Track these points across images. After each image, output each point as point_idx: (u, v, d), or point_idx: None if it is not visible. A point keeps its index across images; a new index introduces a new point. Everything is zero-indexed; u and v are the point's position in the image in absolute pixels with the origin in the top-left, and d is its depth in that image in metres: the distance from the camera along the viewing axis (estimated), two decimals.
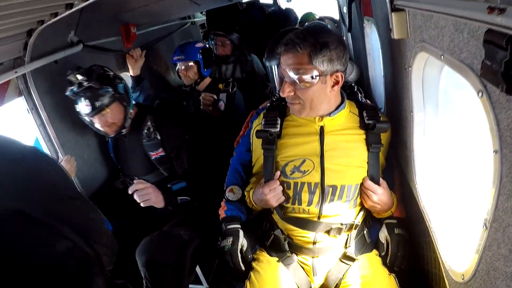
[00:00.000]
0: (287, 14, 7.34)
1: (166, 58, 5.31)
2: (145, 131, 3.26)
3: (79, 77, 2.95)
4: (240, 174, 2.72)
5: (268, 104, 2.57)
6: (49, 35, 2.93)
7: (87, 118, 3.07)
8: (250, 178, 2.68)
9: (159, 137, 3.26)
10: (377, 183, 2.27)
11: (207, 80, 4.44)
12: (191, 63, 4.26)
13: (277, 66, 2.84)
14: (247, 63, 5.30)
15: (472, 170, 1.72)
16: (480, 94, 1.18)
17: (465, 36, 1.23)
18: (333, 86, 2.17)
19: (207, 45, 4.63)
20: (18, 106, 3.13)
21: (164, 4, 3.98)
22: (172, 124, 3.36)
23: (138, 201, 2.89)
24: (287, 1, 9.10)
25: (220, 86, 4.33)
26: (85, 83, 2.94)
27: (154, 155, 3.30)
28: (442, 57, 1.48)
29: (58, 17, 2.60)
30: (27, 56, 2.90)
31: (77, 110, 3.04)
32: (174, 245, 2.99)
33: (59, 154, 3.30)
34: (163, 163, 3.34)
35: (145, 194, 2.91)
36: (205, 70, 4.34)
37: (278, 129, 2.38)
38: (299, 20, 8.24)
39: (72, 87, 3.00)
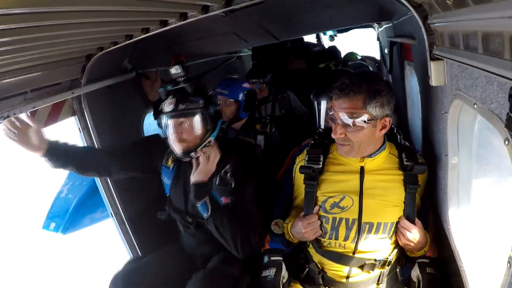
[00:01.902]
0: (334, 53, 7.45)
1: None
2: (221, 173, 2.87)
3: (179, 70, 2.90)
4: (283, 207, 2.80)
5: (312, 142, 2.66)
6: (105, 60, 3.07)
7: (164, 120, 2.83)
8: (290, 211, 2.76)
9: (233, 185, 2.85)
10: (413, 222, 2.32)
11: (244, 119, 4.23)
12: (231, 100, 4.05)
13: (320, 104, 2.95)
14: (285, 100, 5.30)
15: (501, 211, 1.78)
16: (506, 142, 1.26)
17: (495, 88, 1.32)
18: (381, 130, 2.27)
19: (252, 87, 4.43)
20: (71, 124, 3.32)
21: (215, 39, 4.15)
22: (249, 173, 2.91)
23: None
24: (330, 40, 9.26)
25: (257, 127, 4.12)
26: (181, 82, 2.88)
27: (224, 201, 2.87)
28: (475, 105, 1.56)
29: (117, 46, 2.79)
30: (84, 79, 3.07)
31: (160, 108, 2.87)
32: (227, 284, 2.74)
33: None
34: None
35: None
36: (244, 112, 4.14)
37: (321, 166, 2.47)
38: (342, 59, 8.36)
39: (168, 85, 2.96)
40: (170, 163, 3.11)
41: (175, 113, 2.75)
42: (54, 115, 3.06)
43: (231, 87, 4.08)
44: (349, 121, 2.19)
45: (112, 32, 2.52)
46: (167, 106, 2.79)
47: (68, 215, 6.18)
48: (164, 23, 2.42)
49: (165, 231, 3.38)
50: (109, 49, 2.85)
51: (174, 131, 2.78)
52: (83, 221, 5.78)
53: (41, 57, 2.35)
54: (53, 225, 5.58)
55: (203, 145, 2.81)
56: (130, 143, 3.35)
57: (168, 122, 2.81)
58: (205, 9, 2.19)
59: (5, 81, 2.38)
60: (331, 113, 2.32)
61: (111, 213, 3.56)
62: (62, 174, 5.18)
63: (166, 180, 3.15)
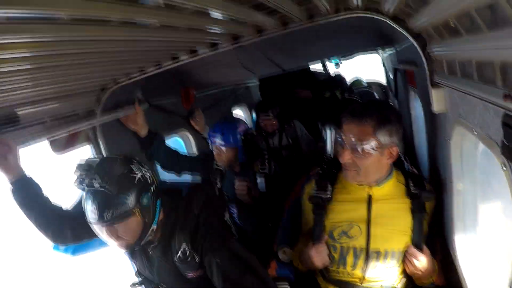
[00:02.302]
0: (339, 81, 7.52)
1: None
2: (179, 255, 2.43)
3: (92, 175, 2.20)
4: (291, 235, 2.82)
5: (320, 171, 2.68)
6: (119, 92, 3.17)
7: (90, 225, 2.27)
8: (298, 238, 2.76)
9: (197, 259, 2.41)
10: (420, 249, 2.31)
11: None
12: (229, 148, 3.79)
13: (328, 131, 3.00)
14: (291, 129, 5.33)
15: (507, 237, 1.80)
16: (503, 167, 1.32)
17: (491, 114, 1.38)
18: (388, 159, 2.29)
19: (250, 127, 4.13)
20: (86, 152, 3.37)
21: (223, 71, 4.27)
22: (214, 237, 2.45)
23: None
24: (336, 67, 9.37)
25: (256, 168, 3.86)
26: (97, 185, 2.18)
27: (191, 275, 2.51)
28: (474, 131, 1.62)
29: (131, 79, 2.90)
30: (99, 110, 3.15)
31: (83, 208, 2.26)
32: None
33: None
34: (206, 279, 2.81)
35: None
36: (243, 155, 3.88)
37: (329, 195, 2.49)
38: (349, 85, 8.43)
39: (81, 180, 2.24)
40: None
41: (102, 224, 2.20)
42: (71, 142, 3.14)
43: (226, 135, 3.78)
44: (358, 147, 2.22)
45: (126, 67, 2.64)
46: (90, 213, 2.20)
47: None
48: (176, 58, 2.51)
49: None
50: (123, 82, 2.95)
51: (109, 235, 2.25)
52: (93, 244, 5.79)
53: (60, 89, 2.45)
54: (63, 247, 5.63)
55: (146, 235, 2.34)
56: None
57: (94, 228, 2.28)
58: (214, 45, 2.29)
59: (26, 110, 2.46)
60: (340, 139, 2.36)
61: None
62: (72, 196, 5.24)
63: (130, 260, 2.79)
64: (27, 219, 2.58)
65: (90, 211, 2.18)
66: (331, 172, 2.61)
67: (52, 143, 2.86)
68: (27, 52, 1.49)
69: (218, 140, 3.78)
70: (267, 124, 5.16)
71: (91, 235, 2.38)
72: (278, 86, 6.28)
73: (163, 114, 4.15)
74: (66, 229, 2.66)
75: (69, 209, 2.77)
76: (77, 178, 2.24)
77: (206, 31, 2.06)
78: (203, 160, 4.04)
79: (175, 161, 3.96)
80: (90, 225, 2.24)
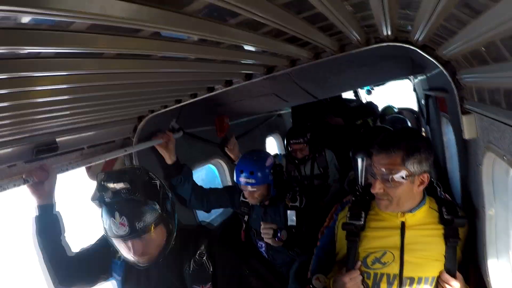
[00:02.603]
0: (371, 108, 7.53)
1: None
2: (196, 257, 2.42)
3: (119, 185, 2.15)
4: (324, 262, 2.83)
5: (353, 198, 2.71)
6: (155, 121, 3.28)
7: (115, 240, 2.23)
8: (332, 266, 2.77)
9: (211, 269, 2.43)
10: (454, 276, 2.29)
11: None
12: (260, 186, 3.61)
13: (360, 160, 3.03)
14: (322, 157, 5.32)
15: None
16: None
17: None
18: (419, 186, 2.31)
19: (276, 160, 3.89)
20: None
21: (256, 100, 4.33)
22: (232, 255, 2.72)
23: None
24: (368, 94, 9.39)
25: (287, 202, 3.69)
26: (125, 194, 2.14)
27: None
28: (504, 157, 1.64)
29: (167, 109, 3.00)
30: (135, 138, 3.28)
31: (104, 226, 2.22)
32: None
33: None
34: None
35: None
36: (275, 189, 3.67)
37: (362, 222, 2.51)
38: (380, 112, 8.41)
39: (104, 193, 2.18)
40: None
41: (134, 235, 2.15)
42: (107, 169, 3.24)
43: (256, 173, 3.55)
44: (388, 177, 2.25)
45: (163, 98, 2.73)
46: (118, 228, 2.13)
47: None
48: (211, 89, 2.60)
49: None
50: (160, 111, 3.06)
51: (135, 251, 2.21)
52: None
53: (98, 118, 2.56)
54: None
55: (170, 244, 2.35)
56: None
57: (123, 245, 2.23)
58: (248, 76, 2.37)
59: (65, 138, 2.58)
60: (371, 169, 2.40)
61: None
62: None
63: (117, 277, 2.56)
64: (39, 250, 2.44)
65: (119, 225, 2.11)
66: (364, 199, 2.64)
67: (89, 170, 2.97)
68: (68, 84, 1.58)
69: (247, 180, 3.56)
70: (298, 150, 5.15)
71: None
72: (310, 113, 6.34)
73: (197, 142, 4.25)
74: (69, 272, 2.45)
75: (77, 254, 2.54)
76: (99, 191, 2.18)
77: (240, 63, 2.15)
78: (230, 193, 3.99)
79: (201, 196, 3.88)
80: (113, 241, 2.22)
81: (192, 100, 2.81)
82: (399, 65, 3.96)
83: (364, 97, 9.47)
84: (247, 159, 3.69)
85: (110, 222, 2.14)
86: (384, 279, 2.40)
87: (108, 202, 2.17)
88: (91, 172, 3.01)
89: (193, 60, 1.78)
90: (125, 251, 2.24)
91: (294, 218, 3.65)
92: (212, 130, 4.49)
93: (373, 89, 9.31)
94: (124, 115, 2.92)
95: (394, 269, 2.38)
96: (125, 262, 2.42)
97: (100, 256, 2.51)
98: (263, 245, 3.87)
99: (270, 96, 4.18)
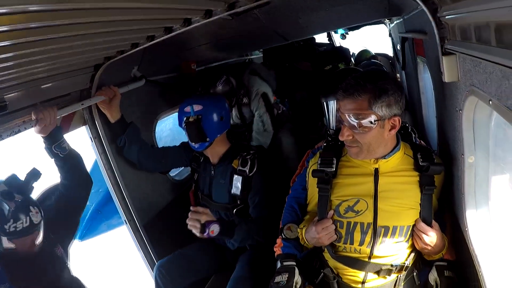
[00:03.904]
0: (342, 53, 7.36)
1: None
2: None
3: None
4: (296, 212, 2.77)
5: (324, 144, 2.63)
6: (114, 70, 3.10)
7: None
8: (304, 215, 2.72)
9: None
10: (429, 225, 2.26)
11: (224, 148, 3.50)
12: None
13: (329, 104, 2.90)
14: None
15: None
16: None
17: (511, 83, 1.26)
18: (390, 130, 2.21)
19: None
20: (82, 134, 3.36)
21: (223, 44, 4.14)
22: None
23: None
24: (342, 39, 9.21)
25: (235, 163, 3.37)
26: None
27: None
28: (490, 102, 1.50)
29: (124, 55, 2.79)
30: (93, 89, 3.11)
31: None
32: None
33: (119, 181, 3.47)
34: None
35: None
36: (193, 143, 3.35)
37: (334, 169, 2.42)
38: (355, 57, 8.26)
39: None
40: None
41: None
42: (65, 125, 3.09)
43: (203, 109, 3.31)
44: (355, 122, 2.15)
45: (117, 42, 2.52)
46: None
47: (85, 222, 6.26)
48: (169, 29, 2.41)
49: (179, 236, 3.37)
50: (116, 58, 2.85)
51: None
52: (99, 228, 5.85)
53: (49, 69, 2.36)
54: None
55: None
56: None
57: None
58: (208, 13, 2.17)
59: (14, 94, 2.40)
60: (338, 114, 2.28)
61: (124, 220, 3.59)
62: None
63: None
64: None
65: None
66: (335, 145, 2.55)
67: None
68: (9, 26, 1.38)
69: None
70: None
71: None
72: (281, 57, 6.15)
73: (162, 91, 4.06)
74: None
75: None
76: None
77: None
78: (187, 150, 3.61)
79: (151, 157, 3.58)
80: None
81: (149, 43, 2.59)
82: (375, 6, 3.83)
83: (338, 42, 9.30)
84: (193, 97, 3.43)
85: None
86: (358, 228, 2.34)
87: None
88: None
89: None
90: None
91: (239, 186, 3.31)
92: (178, 77, 4.32)
93: (347, 33, 9.12)
94: (78, 64, 2.71)
95: (367, 217, 2.32)
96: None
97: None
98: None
99: (237, 39, 4.01)
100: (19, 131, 2.52)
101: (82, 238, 5.70)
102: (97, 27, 1.90)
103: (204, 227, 2.89)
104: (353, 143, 2.25)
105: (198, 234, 2.93)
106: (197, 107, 3.26)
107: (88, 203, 5.45)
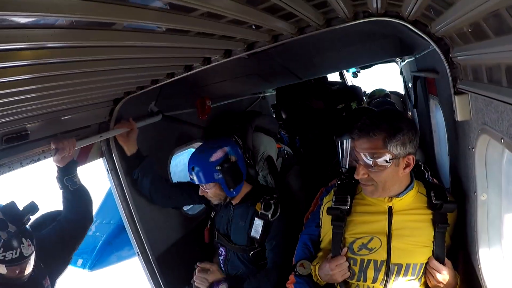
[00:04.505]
0: (354, 91, 7.41)
1: None
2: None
3: None
4: (309, 248, 2.76)
5: (339, 182, 2.64)
6: (132, 104, 3.15)
7: None
8: (317, 252, 2.71)
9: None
10: (442, 262, 2.25)
11: (245, 190, 3.42)
12: (209, 184, 3.27)
13: (343, 143, 2.93)
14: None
15: None
16: None
17: None
18: (404, 168, 2.23)
19: (234, 149, 3.38)
20: (99, 166, 3.40)
21: (238, 81, 4.21)
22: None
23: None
24: (354, 77, 9.29)
25: (258, 206, 3.26)
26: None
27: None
28: (502, 140, 1.53)
29: (144, 90, 2.86)
30: (112, 122, 3.16)
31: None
32: None
33: (133, 213, 3.48)
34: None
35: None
36: (231, 190, 3.28)
37: (348, 207, 2.44)
38: (367, 96, 8.31)
39: None
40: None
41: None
42: (83, 156, 3.14)
43: (197, 171, 3.20)
44: (371, 161, 2.18)
45: (138, 78, 2.60)
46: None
47: (96, 252, 6.25)
48: (189, 68, 2.48)
49: (191, 270, 3.35)
50: (136, 93, 2.92)
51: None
52: (110, 259, 5.84)
53: (71, 101, 2.43)
54: (80, 261, 5.66)
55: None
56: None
57: None
58: (228, 53, 2.24)
59: (36, 124, 2.48)
60: (354, 153, 2.31)
61: (137, 252, 3.59)
62: None
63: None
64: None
65: None
66: (350, 183, 2.56)
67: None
68: (34, 60, 1.45)
69: (192, 177, 3.26)
70: None
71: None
72: (294, 95, 6.19)
73: (178, 126, 4.12)
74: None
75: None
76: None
77: (218, 37, 2.01)
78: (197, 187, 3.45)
79: (163, 193, 3.56)
80: None
81: (169, 80, 2.68)
82: (387, 46, 3.88)
83: (350, 80, 9.38)
84: (193, 153, 3.34)
85: None
86: (371, 265, 2.34)
87: None
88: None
89: (164, 32, 1.64)
90: None
91: (260, 230, 3.19)
92: (194, 113, 4.34)
93: (359, 72, 9.21)
94: (99, 98, 2.78)
95: (381, 255, 2.32)
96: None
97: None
98: (223, 252, 3.48)
99: (253, 77, 4.07)
100: (39, 160, 2.57)
101: (91, 268, 5.69)
102: (119, 64, 1.98)
103: (212, 286, 2.90)
104: (368, 181, 2.26)
105: None
106: (194, 178, 3.25)
107: (98, 233, 5.44)
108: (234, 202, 3.40)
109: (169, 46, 1.92)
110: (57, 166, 2.81)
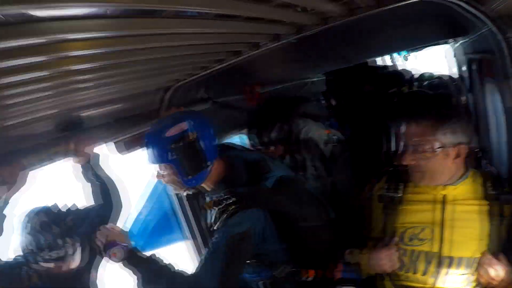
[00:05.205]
0: (405, 76, 7.23)
1: None
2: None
3: None
4: (359, 236, 2.70)
5: (391, 169, 2.57)
6: (181, 91, 3.20)
7: None
8: (367, 241, 2.65)
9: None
10: (497, 258, 2.16)
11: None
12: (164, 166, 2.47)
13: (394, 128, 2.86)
14: None
15: None
16: None
17: None
18: (455, 158, 2.16)
19: (200, 125, 2.45)
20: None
21: (287, 66, 4.21)
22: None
23: None
24: (404, 60, 9.07)
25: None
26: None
27: None
28: None
29: (193, 77, 2.91)
30: (162, 110, 3.21)
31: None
32: None
33: (183, 198, 3.61)
34: None
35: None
36: (188, 177, 2.41)
37: (400, 195, 2.38)
38: (417, 80, 8.11)
39: None
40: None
41: None
42: (135, 143, 3.20)
43: (150, 146, 2.43)
44: (418, 148, 2.12)
45: (188, 65, 2.64)
46: None
47: (147, 236, 6.44)
48: (238, 53, 2.48)
49: None
50: (186, 80, 2.96)
51: None
52: (160, 242, 6.00)
53: (123, 90, 2.49)
54: (131, 243, 5.86)
55: None
56: None
57: None
58: (277, 38, 2.24)
59: (90, 112, 2.57)
60: (403, 139, 2.25)
61: (186, 237, 3.65)
62: (142, 197, 5.46)
63: None
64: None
65: None
66: (402, 170, 2.46)
67: (117, 144, 2.98)
68: (92, 50, 1.50)
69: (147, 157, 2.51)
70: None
71: None
72: (341, 80, 6.11)
73: (226, 112, 4.14)
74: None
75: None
76: None
77: (267, 21, 2.00)
78: None
79: None
80: None
81: (219, 67, 2.69)
82: (439, 28, 3.77)
83: (400, 63, 9.17)
84: (151, 131, 2.57)
85: None
86: (422, 257, 2.27)
87: None
88: (118, 146, 3.01)
89: (213, 18, 1.65)
90: None
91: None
92: (242, 99, 4.35)
93: (409, 55, 8.97)
94: (150, 86, 2.85)
95: (433, 246, 2.25)
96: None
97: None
98: None
99: (301, 61, 4.04)
100: (95, 146, 2.76)
101: (142, 250, 5.88)
102: (169, 52, 2.01)
103: (105, 246, 2.40)
104: (416, 168, 2.22)
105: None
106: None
107: (150, 217, 5.61)
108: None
109: (218, 32, 1.93)
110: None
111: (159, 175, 2.55)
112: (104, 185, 2.97)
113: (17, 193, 2.41)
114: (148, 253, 2.43)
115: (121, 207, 3.14)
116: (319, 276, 2.60)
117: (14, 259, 2.71)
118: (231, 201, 2.34)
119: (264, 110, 4.46)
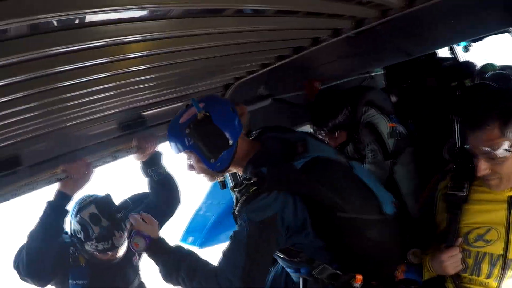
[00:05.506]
0: (468, 68, 7.00)
1: None
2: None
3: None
4: (422, 236, 2.62)
5: (455, 167, 2.46)
6: (242, 88, 3.25)
7: None
8: (430, 241, 2.56)
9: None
10: None
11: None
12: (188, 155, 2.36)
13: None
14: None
15: None
16: None
17: None
18: None
19: (213, 104, 2.29)
20: None
21: (346, 61, 4.19)
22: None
23: None
24: (464, 51, 8.78)
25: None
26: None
27: None
28: None
29: (254, 75, 2.96)
30: None
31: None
32: None
33: None
34: None
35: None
36: (211, 161, 2.25)
37: (465, 194, 2.29)
38: (477, 72, 7.85)
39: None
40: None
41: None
42: None
43: (169, 136, 2.34)
44: (490, 154, 1.99)
45: (248, 62, 2.69)
46: None
47: (206, 231, 6.58)
48: (297, 49, 2.52)
49: None
50: (246, 78, 3.03)
51: None
52: (218, 238, 6.11)
53: (184, 89, 2.60)
54: (190, 239, 6.02)
55: None
56: None
57: None
58: (336, 32, 2.25)
59: (151, 111, 2.69)
60: (470, 150, 2.14)
61: None
62: (201, 193, 5.60)
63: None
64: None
65: None
66: (467, 168, 2.34)
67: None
68: (155, 50, 1.58)
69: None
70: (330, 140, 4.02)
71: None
72: (402, 74, 6.00)
73: (286, 109, 4.18)
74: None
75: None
76: None
77: (326, 16, 2.03)
78: None
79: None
80: None
81: (279, 63, 2.74)
82: (503, 15, 3.63)
83: (460, 55, 8.89)
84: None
85: None
86: (486, 259, 2.18)
87: None
88: None
89: (273, 14, 1.70)
90: None
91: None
92: (302, 95, 4.37)
93: (470, 45, 8.66)
94: (211, 85, 2.92)
95: (498, 248, 2.15)
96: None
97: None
98: None
99: (360, 56, 4.03)
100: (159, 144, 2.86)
101: (201, 246, 6.03)
102: (229, 50, 2.07)
103: (130, 235, 2.32)
104: (492, 175, 2.08)
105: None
106: None
107: (209, 213, 5.73)
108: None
109: (278, 29, 1.97)
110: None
111: (189, 167, 2.44)
112: (163, 181, 3.01)
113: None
114: (174, 245, 2.33)
115: (179, 203, 3.19)
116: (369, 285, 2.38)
117: (65, 237, 2.85)
118: (252, 181, 2.13)
119: (328, 99, 4.42)
